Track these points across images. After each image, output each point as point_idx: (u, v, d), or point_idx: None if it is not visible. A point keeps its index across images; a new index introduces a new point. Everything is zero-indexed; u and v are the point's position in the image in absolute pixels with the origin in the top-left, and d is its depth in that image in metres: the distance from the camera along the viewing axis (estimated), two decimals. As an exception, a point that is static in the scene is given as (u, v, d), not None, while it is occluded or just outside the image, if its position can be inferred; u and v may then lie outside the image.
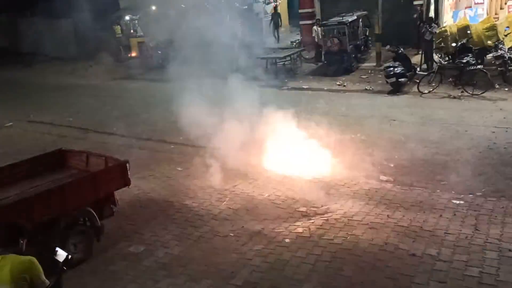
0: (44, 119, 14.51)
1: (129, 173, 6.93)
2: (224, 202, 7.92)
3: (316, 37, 19.30)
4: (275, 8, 25.54)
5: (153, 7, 25.13)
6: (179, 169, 9.58)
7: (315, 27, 19.44)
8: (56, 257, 3.73)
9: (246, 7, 24.83)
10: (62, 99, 17.12)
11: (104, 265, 6.33)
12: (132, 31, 25.42)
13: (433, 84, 14.04)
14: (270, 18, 25.44)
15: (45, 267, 3.65)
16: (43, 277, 3.54)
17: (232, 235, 6.87)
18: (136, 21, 25.19)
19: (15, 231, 3.67)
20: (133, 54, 24.30)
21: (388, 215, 7.05)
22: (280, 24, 25.28)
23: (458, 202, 7.31)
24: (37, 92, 18.79)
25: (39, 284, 3.50)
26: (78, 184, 6.49)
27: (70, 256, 3.79)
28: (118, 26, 25.26)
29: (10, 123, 14.51)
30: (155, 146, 11.03)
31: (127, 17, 25.51)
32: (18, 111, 15.68)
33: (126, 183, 6.93)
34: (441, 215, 6.93)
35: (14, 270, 3.41)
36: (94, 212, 6.50)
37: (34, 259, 3.54)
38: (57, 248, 3.84)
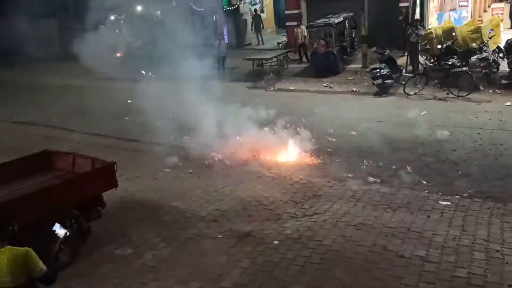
0: (27, 120, 14.28)
1: (116, 175, 6.85)
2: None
3: (298, 38, 19.39)
4: (255, 11, 25.60)
5: (139, 8, 25.01)
6: (167, 170, 9.49)
7: (297, 28, 19.52)
8: (55, 235, 3.88)
9: (232, 8, 24.86)
10: (46, 99, 16.86)
11: (91, 268, 6.22)
12: (117, 31, 25.18)
13: (419, 86, 14.18)
14: (251, 22, 25.49)
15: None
16: (41, 264, 3.67)
17: (221, 237, 6.82)
18: (121, 21, 24.97)
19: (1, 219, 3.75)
20: (118, 54, 24.07)
21: (376, 216, 7.08)
22: (262, 26, 25.34)
23: (445, 203, 7.37)
24: (20, 92, 18.48)
25: (37, 272, 3.64)
26: (64, 186, 6.38)
27: (68, 233, 3.95)
28: (103, 26, 25.02)
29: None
30: (142, 147, 10.93)
31: (112, 17, 25.25)
32: (1, 111, 15.40)
33: (114, 185, 6.84)
34: (428, 216, 6.98)
35: (11, 262, 3.55)
36: (81, 214, 6.40)
37: (30, 250, 3.65)
38: (56, 225, 3.90)
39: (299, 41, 19.48)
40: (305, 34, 18.72)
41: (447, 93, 13.52)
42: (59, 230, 3.86)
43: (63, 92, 17.90)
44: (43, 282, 3.72)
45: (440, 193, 7.79)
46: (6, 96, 17.87)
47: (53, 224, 3.91)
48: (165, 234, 6.98)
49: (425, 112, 12.17)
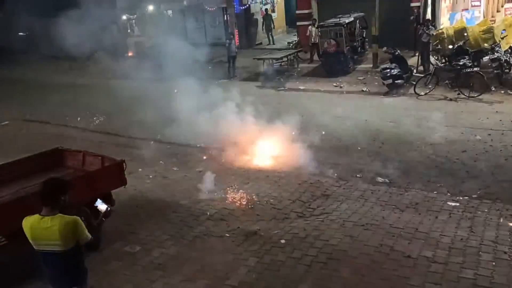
0: (40, 118, 14.47)
1: (125, 173, 6.93)
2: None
3: (312, 37, 19.35)
4: (266, 11, 25.62)
5: (150, 7, 25.17)
6: (175, 169, 9.57)
7: (310, 28, 19.49)
8: (97, 209, 4.42)
9: (243, 8, 24.91)
10: (58, 98, 17.06)
11: (100, 265, 6.30)
12: (129, 30, 25.40)
13: (430, 86, 14.09)
14: (262, 21, 25.51)
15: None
16: (86, 232, 4.09)
17: (228, 235, 6.87)
18: (133, 20, 25.18)
19: (57, 190, 4.09)
20: (130, 54, 24.28)
21: (383, 217, 7.07)
22: (272, 26, 25.35)
23: (453, 204, 7.33)
24: (33, 91, 18.73)
25: (83, 238, 4.07)
26: (74, 183, 6.46)
27: (109, 208, 4.52)
28: (115, 25, 25.25)
29: (6, 122, 14.47)
30: (152, 146, 11.01)
31: (124, 17, 25.47)
32: (14, 109, 15.63)
33: (123, 183, 6.92)
34: (436, 217, 6.95)
35: (62, 229, 3.95)
36: (90, 212, 6.48)
37: (78, 219, 4.05)
38: (98, 201, 4.46)
39: (312, 40, 19.42)
40: (319, 34, 18.66)
41: (458, 94, 13.42)
42: (101, 205, 4.48)
43: (75, 90, 18.10)
44: (88, 247, 4.23)
45: (449, 194, 7.76)
46: (19, 95, 18.14)
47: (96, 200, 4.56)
48: (173, 232, 7.05)
49: (435, 112, 12.11)
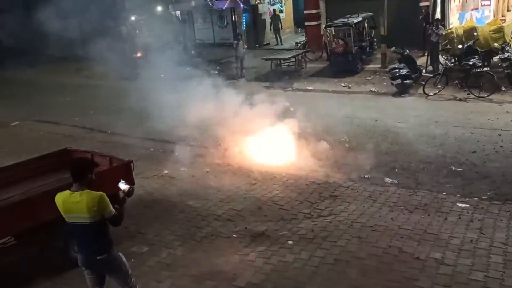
0: (49, 119, 14.57)
1: (133, 173, 6.94)
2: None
3: (327, 37, 19.22)
4: (274, 11, 25.59)
5: (158, 8, 25.24)
6: (183, 169, 9.57)
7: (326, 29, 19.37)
8: (119, 188, 4.72)
9: (251, 8, 24.92)
10: (67, 98, 17.19)
11: (107, 265, 6.33)
12: (137, 31, 25.47)
13: (439, 86, 13.99)
14: (270, 22, 25.49)
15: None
16: (110, 207, 4.49)
17: (235, 236, 6.86)
18: (142, 21, 25.25)
19: (85, 168, 4.55)
20: (139, 54, 24.36)
21: (392, 218, 7.02)
22: (280, 26, 25.31)
23: (463, 205, 7.26)
24: (42, 92, 18.88)
25: (107, 212, 4.47)
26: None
27: (131, 188, 4.82)
28: (124, 26, 25.36)
29: (16, 122, 14.59)
30: (159, 146, 11.04)
31: (132, 18, 25.58)
32: (24, 110, 15.76)
33: (130, 183, 6.92)
34: (446, 218, 6.89)
35: (89, 203, 4.37)
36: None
37: (104, 194, 4.47)
38: (121, 181, 4.76)
39: (326, 40, 19.32)
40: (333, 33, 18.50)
41: (468, 94, 13.30)
42: (123, 185, 4.75)
43: (84, 91, 18.22)
44: (111, 222, 4.57)
45: (458, 195, 7.68)
46: (28, 96, 18.29)
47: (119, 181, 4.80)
48: (180, 232, 7.06)
49: (444, 112, 12.03)
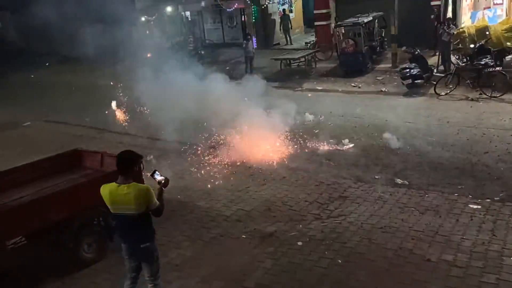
0: (60, 119, 14.68)
1: (142, 174, 6.95)
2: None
3: (340, 37, 19.10)
4: (284, 11, 25.56)
5: (168, 9, 25.35)
6: (193, 169, 9.58)
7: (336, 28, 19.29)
8: (155, 179, 4.81)
9: (261, 8, 24.90)
10: (79, 99, 17.29)
11: (117, 265, 6.31)
12: (147, 32, 25.60)
13: (450, 86, 13.85)
14: (280, 22, 25.46)
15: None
16: (155, 199, 4.68)
17: (244, 237, 6.85)
18: (152, 22, 25.39)
19: (131, 162, 4.72)
20: (149, 55, 24.46)
21: (402, 219, 6.96)
22: (290, 26, 25.27)
23: (475, 207, 7.17)
24: (54, 92, 19.02)
25: (152, 204, 4.66)
26: (92, 184, 6.52)
27: (167, 179, 4.87)
28: (134, 27, 25.48)
29: (28, 123, 14.72)
30: (168, 147, 11.04)
31: (142, 18, 25.71)
32: (35, 110, 15.89)
33: (140, 183, 6.94)
34: (457, 220, 6.81)
35: (137, 195, 4.57)
36: (108, 212, 6.52)
37: (150, 187, 4.68)
38: (156, 172, 4.83)
39: (336, 40, 19.22)
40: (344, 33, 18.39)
41: (480, 94, 13.15)
42: (158, 177, 4.81)
43: (95, 92, 18.30)
44: (155, 213, 4.75)
45: (470, 196, 7.58)
46: (40, 96, 18.45)
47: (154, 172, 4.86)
48: (189, 233, 7.06)
49: (456, 113, 11.91)
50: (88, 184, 6.50)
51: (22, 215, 5.76)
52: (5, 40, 30.52)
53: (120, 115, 14.02)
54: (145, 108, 12.27)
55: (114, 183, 4.68)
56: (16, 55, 25.69)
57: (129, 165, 4.69)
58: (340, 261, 6.03)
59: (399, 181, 8.38)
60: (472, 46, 14.82)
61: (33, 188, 6.75)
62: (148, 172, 4.94)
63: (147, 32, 25.63)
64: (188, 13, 27.60)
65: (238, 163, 9.70)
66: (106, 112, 14.63)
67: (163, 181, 4.84)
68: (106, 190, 4.71)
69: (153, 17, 24.93)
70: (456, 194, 7.68)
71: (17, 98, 18.31)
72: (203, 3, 25.76)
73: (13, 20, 28.65)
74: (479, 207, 7.15)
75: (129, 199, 4.58)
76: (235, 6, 24.83)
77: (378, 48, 18.76)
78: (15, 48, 27.36)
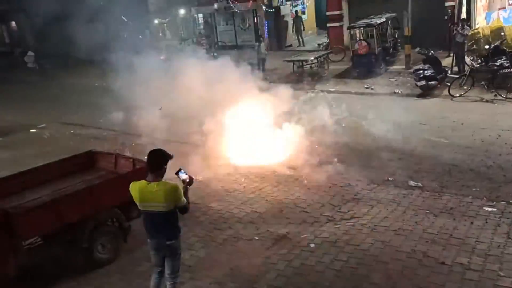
0: (75, 121, 14.83)
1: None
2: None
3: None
4: (296, 12, 25.54)
5: (181, 11, 25.48)
6: (205, 171, 9.61)
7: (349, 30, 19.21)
8: (179, 177, 4.91)
9: (273, 9, 24.92)
10: (93, 101, 17.43)
11: (131, 266, 6.41)
12: (160, 34, 25.81)
13: (465, 88, 13.72)
14: (292, 23, 25.46)
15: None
16: (183, 197, 4.82)
17: (257, 238, 6.86)
18: (165, 24, 25.57)
19: (161, 160, 4.81)
20: (162, 57, 24.62)
21: (416, 222, 6.91)
22: (303, 28, 25.24)
23: (490, 209, 7.09)
24: (70, 94, 19.21)
25: (180, 202, 4.80)
26: (107, 185, 6.60)
27: (191, 177, 5.00)
28: (148, 29, 25.70)
29: (43, 125, 14.89)
30: (182, 148, 11.07)
31: (156, 21, 25.91)
32: (51, 112, 16.07)
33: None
34: (472, 223, 6.75)
35: (166, 193, 4.69)
36: (122, 213, 6.60)
37: (178, 186, 4.79)
38: (181, 170, 4.95)
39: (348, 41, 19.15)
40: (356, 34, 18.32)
41: (495, 95, 13.02)
42: (183, 175, 4.93)
43: (110, 94, 18.45)
44: (181, 211, 4.89)
45: (485, 198, 7.51)
46: (56, 98, 18.65)
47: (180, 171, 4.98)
48: (202, 234, 7.09)
49: (470, 114, 11.79)
50: (103, 185, 6.58)
51: (38, 216, 5.84)
52: (20, 42, 30.99)
53: (133, 116, 14.11)
54: (161, 109, 12.28)
55: (143, 181, 4.80)
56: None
57: (159, 163, 4.79)
58: (353, 264, 6.00)
59: (412, 183, 8.33)
60: (487, 47, 14.67)
61: (49, 189, 6.84)
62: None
63: (160, 34, 25.85)
64: (201, 15, 27.73)
65: (250, 164, 9.71)
66: (121, 114, 14.77)
67: (187, 180, 4.92)
68: (135, 187, 4.83)
69: (167, 19, 25.10)
70: (471, 197, 7.61)
71: (33, 100, 18.53)
72: (216, 5, 25.86)
73: (28, 22, 29.03)
74: (494, 209, 7.08)
75: (158, 197, 4.69)
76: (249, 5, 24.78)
77: (391, 50, 18.65)
78: (30, 50, 27.70)
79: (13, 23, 33.83)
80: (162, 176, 4.80)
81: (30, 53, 24.90)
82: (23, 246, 5.98)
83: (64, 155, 8.02)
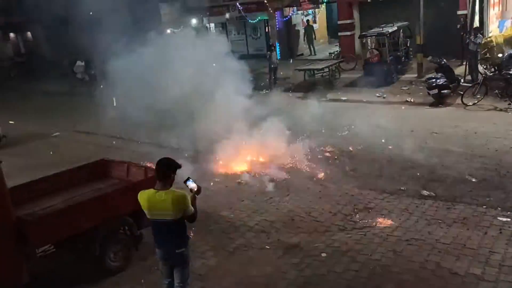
0: (88, 129, 14.97)
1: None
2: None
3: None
4: (308, 21, 25.61)
5: (194, 21, 25.68)
6: (217, 179, 9.64)
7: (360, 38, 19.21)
8: (187, 186, 4.87)
9: (286, 19, 25.02)
10: (105, 110, 17.59)
11: (142, 274, 6.43)
12: (173, 44, 26.00)
13: (478, 96, 13.60)
14: (304, 32, 25.53)
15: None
16: (191, 206, 4.80)
17: (268, 247, 6.84)
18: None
19: (169, 169, 4.79)
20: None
21: (429, 232, 6.84)
22: (314, 37, 25.29)
23: (504, 219, 6.99)
24: (83, 103, 19.42)
25: (188, 211, 4.79)
26: (119, 194, 6.64)
27: (199, 187, 4.94)
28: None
29: (57, 133, 15.07)
30: (195, 157, 11.12)
31: (168, 31, 26.12)
32: (64, 121, 16.25)
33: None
34: (486, 233, 6.65)
35: (174, 201, 4.67)
36: (133, 222, 6.63)
37: (186, 194, 4.77)
38: (189, 179, 4.90)
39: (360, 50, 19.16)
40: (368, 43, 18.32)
41: (509, 104, 12.88)
42: (191, 184, 4.89)
43: (124, 104, 18.58)
44: (189, 219, 4.88)
45: (499, 208, 7.40)
46: (69, 107, 18.87)
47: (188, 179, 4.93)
48: (213, 243, 7.10)
49: (484, 123, 11.67)
50: (115, 194, 6.63)
51: (51, 224, 5.91)
52: (37, 52, 31.45)
53: (147, 125, 14.21)
54: (170, 118, 12.33)
55: (152, 189, 4.80)
56: (47, 67, 26.33)
57: (167, 172, 4.78)
58: (365, 274, 5.95)
59: (425, 192, 8.26)
60: (500, 55, 14.57)
61: (62, 197, 6.91)
62: (174, 183, 4.97)
63: (173, 44, 26.05)
64: (212, 25, 27.93)
65: (261, 174, 9.71)
66: (132, 122, 14.88)
67: (195, 189, 4.91)
68: (144, 196, 4.83)
69: (179, 29, 25.31)
70: (485, 207, 7.51)
71: (46, 109, 18.77)
72: (227, 15, 26.05)
73: (44, 33, 29.47)
74: (509, 219, 6.98)
75: (166, 205, 4.68)
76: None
77: (403, 58, 18.59)
78: (46, 61, 28.08)
79: (29, 34, 34.40)
80: (171, 185, 4.80)
81: (80, 63, 24.16)
82: (36, 253, 6.04)
83: (77, 164, 8.07)
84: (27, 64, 31.31)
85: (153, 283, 6.15)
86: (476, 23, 17.97)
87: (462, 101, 13.58)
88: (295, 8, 24.96)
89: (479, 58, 15.39)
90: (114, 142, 13.21)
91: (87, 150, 12.31)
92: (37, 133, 15.17)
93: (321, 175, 9.42)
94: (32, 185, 7.11)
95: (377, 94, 16.00)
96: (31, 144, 14.05)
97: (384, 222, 7.30)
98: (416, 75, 17.33)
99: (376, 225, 7.22)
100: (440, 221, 7.14)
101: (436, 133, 11.44)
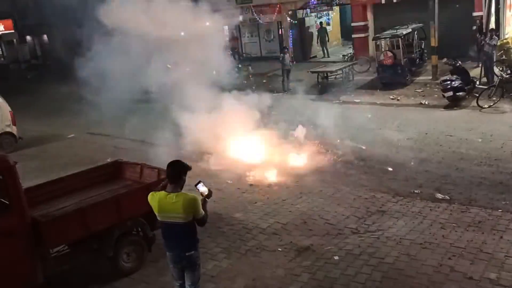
0: (103, 131, 15.12)
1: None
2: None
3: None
4: (321, 24, 25.56)
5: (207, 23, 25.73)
6: (229, 181, 9.66)
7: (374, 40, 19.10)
8: (199, 191, 4.88)
9: (296, 22, 25.02)
10: (121, 112, 17.74)
11: (155, 275, 6.47)
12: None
13: (494, 99, 13.43)
14: (317, 35, 25.49)
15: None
16: (201, 209, 4.79)
17: (280, 250, 6.83)
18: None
19: (181, 171, 4.80)
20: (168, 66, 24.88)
21: (443, 235, 6.76)
22: (327, 39, 25.24)
23: (520, 223, 6.89)
24: (97, 106, 19.60)
25: (199, 214, 4.78)
26: (132, 195, 6.69)
27: (210, 190, 4.97)
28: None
29: (72, 135, 15.25)
30: (207, 159, 11.16)
31: (182, 33, 26.24)
32: (79, 123, 16.43)
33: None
34: (501, 237, 6.56)
35: (185, 204, 4.68)
36: (146, 223, 6.67)
37: (197, 197, 4.79)
38: (201, 182, 4.92)
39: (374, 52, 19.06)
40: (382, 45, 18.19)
41: (525, 106, 12.70)
42: (202, 188, 4.92)
43: (135, 106, 18.73)
44: (199, 222, 4.86)
45: (515, 212, 7.31)
46: (83, 109, 19.04)
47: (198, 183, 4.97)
48: (225, 244, 7.10)
49: (499, 126, 11.51)
50: (128, 195, 6.68)
51: (65, 225, 5.98)
52: (51, 55, 31.91)
53: (158, 128, 14.30)
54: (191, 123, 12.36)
55: (163, 192, 4.82)
56: (62, 70, 26.68)
57: (178, 175, 4.79)
58: (378, 277, 5.91)
59: (439, 196, 8.17)
60: (516, 57, 14.37)
61: (76, 198, 6.98)
62: (186, 185, 4.99)
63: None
64: (226, 27, 28.01)
65: (273, 176, 9.70)
66: (144, 124, 15.00)
67: (206, 192, 4.91)
68: (155, 198, 4.84)
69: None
70: (500, 210, 7.41)
71: (62, 111, 18.98)
72: (241, 17, 26.11)
73: (59, 36, 29.88)
74: (525, 224, 6.87)
75: (177, 208, 4.69)
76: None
77: (417, 60, 18.44)
78: (60, 63, 28.48)
79: (45, 36, 34.91)
80: (181, 187, 4.81)
81: None
82: (50, 254, 6.11)
83: (92, 165, 8.17)
84: (43, 66, 31.80)
85: (166, 284, 6.18)
86: (492, 25, 17.75)
87: (477, 103, 13.42)
88: (308, 10, 24.95)
89: (494, 60, 15.21)
90: (127, 144, 13.31)
91: (102, 151, 12.42)
92: (52, 135, 15.37)
93: (333, 177, 9.38)
94: (48, 186, 7.20)
95: (391, 97, 15.90)
96: (46, 146, 14.23)
97: (397, 225, 7.23)
98: (430, 77, 17.18)
99: (389, 228, 7.16)
100: (454, 224, 7.06)
101: (450, 135, 11.33)
